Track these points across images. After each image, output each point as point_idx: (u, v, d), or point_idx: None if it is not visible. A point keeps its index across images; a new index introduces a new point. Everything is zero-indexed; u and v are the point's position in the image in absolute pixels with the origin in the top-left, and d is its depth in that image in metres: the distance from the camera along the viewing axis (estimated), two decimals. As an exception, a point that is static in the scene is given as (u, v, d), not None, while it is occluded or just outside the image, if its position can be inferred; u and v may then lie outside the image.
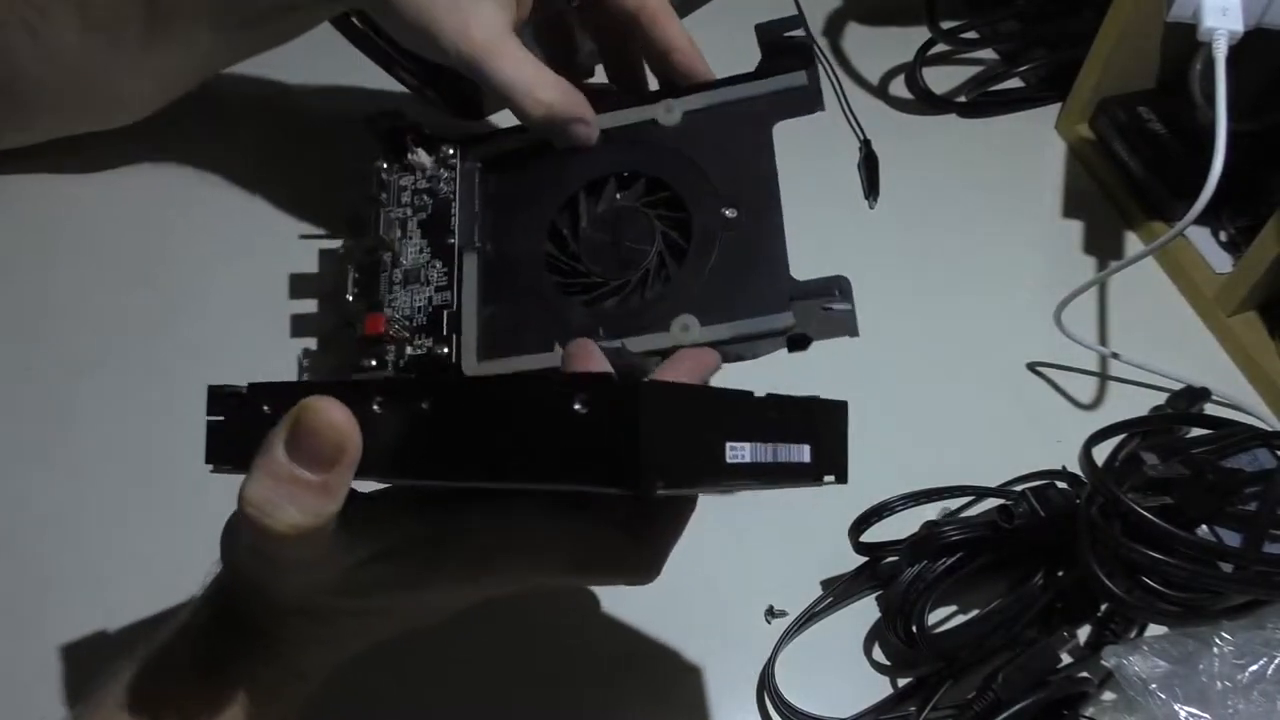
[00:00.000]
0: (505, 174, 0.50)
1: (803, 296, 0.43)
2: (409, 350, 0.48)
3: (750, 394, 0.33)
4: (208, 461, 0.35)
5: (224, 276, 0.57)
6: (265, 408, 0.33)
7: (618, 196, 0.47)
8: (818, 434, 0.35)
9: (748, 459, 0.32)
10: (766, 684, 0.46)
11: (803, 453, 0.35)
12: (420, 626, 0.37)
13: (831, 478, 0.36)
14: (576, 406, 0.28)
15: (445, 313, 0.48)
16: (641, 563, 0.37)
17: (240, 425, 0.33)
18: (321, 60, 0.64)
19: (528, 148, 0.49)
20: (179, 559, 0.49)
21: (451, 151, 0.51)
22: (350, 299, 0.50)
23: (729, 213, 0.45)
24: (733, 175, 0.46)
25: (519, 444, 0.29)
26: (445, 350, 0.47)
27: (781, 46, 0.48)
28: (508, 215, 0.49)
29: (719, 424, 0.31)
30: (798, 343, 0.44)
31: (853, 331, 0.44)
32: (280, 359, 0.55)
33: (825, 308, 0.43)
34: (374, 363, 0.48)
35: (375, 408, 0.30)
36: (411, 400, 0.30)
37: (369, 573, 0.33)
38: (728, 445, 0.31)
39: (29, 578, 0.48)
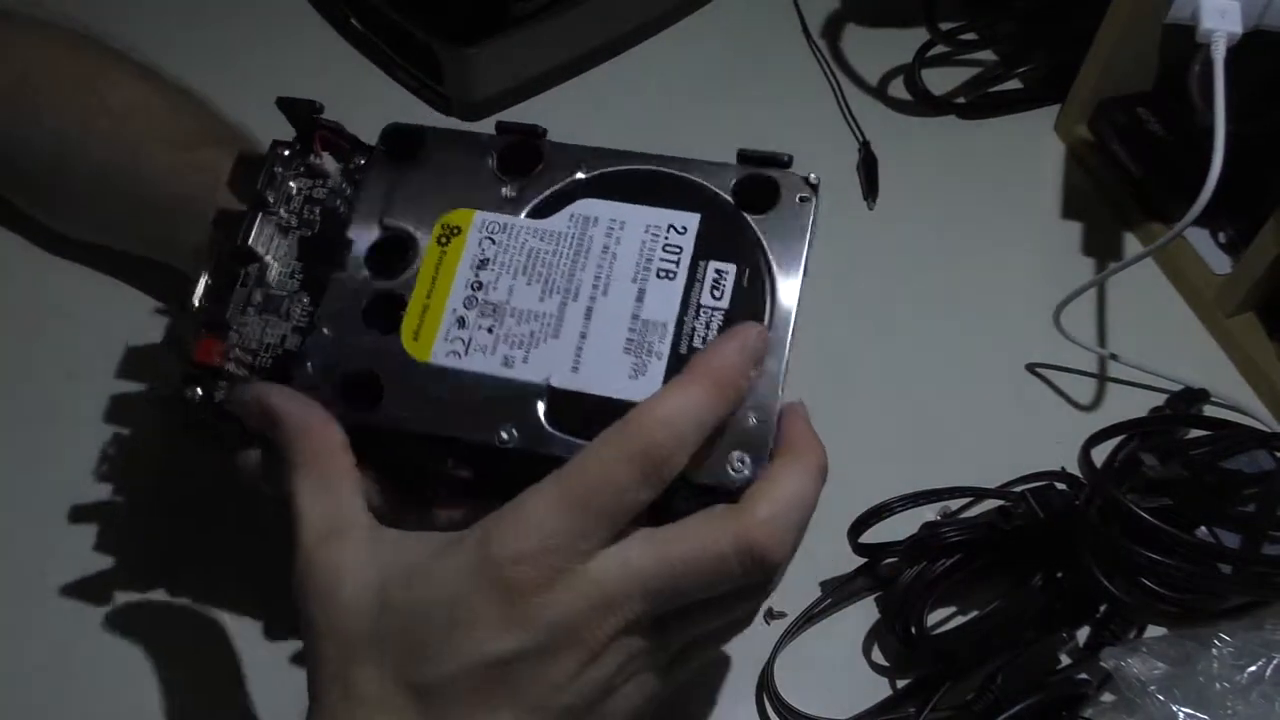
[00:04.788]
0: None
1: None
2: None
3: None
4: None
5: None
6: None
7: None
8: None
9: None
10: (766, 685, 0.46)
11: None
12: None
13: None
14: None
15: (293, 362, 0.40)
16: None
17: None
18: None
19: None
20: (175, 561, 0.49)
21: (362, 162, 0.43)
22: (195, 305, 0.41)
23: None
24: None
25: None
26: None
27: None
28: None
29: None
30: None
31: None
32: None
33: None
34: (199, 393, 0.40)
35: None
36: None
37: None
38: None
39: (25, 578, 0.49)
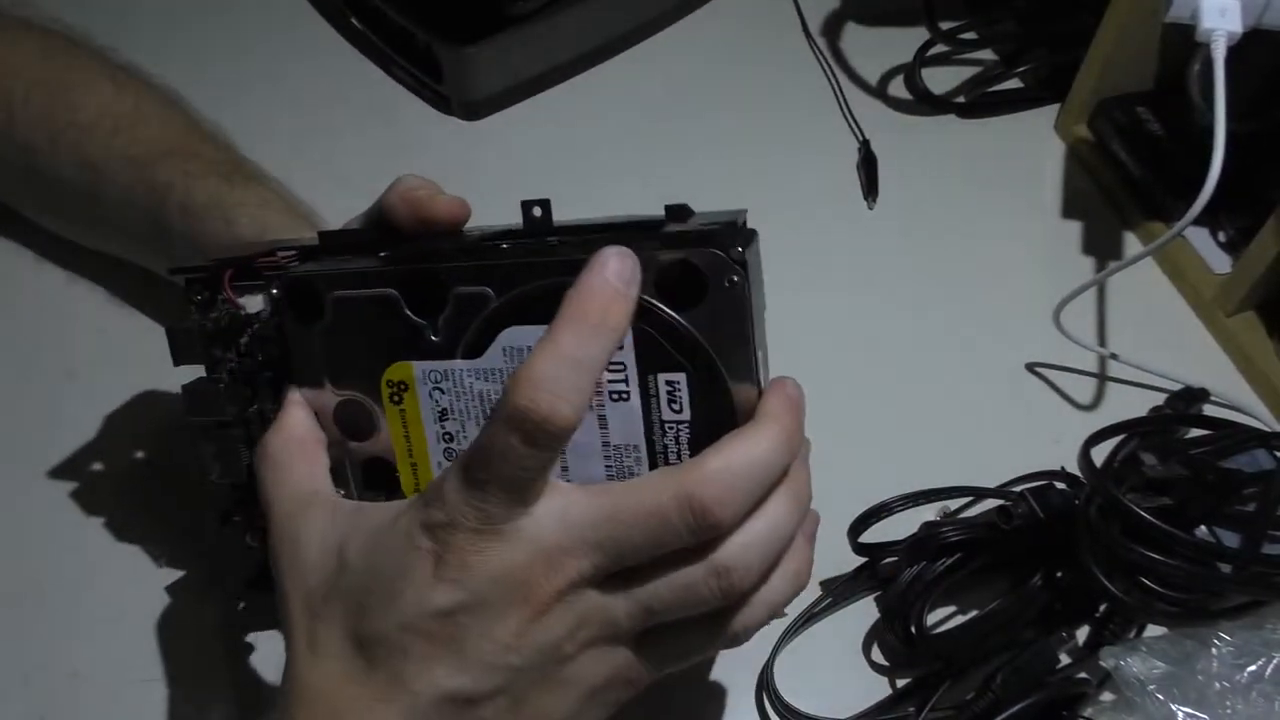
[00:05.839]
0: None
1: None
2: None
3: None
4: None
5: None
6: None
7: None
8: None
9: None
10: (765, 685, 0.46)
11: None
12: None
13: None
14: None
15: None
16: None
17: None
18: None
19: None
20: (176, 559, 0.49)
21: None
22: (213, 480, 0.41)
23: None
24: None
25: None
26: None
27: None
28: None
29: None
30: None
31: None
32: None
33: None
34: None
35: None
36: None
37: None
38: None
39: (25, 578, 0.49)
